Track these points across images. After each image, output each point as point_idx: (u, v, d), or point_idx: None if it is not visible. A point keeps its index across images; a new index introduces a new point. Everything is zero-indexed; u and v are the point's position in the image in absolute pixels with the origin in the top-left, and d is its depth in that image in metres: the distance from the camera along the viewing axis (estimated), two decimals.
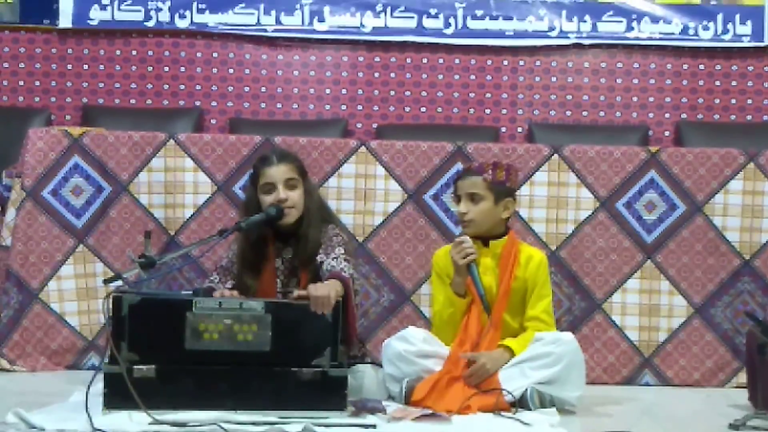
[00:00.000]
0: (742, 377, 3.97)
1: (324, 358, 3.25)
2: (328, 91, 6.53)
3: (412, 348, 3.59)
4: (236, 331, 3.24)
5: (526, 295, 3.74)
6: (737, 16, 6.29)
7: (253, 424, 3.05)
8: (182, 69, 6.52)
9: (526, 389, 3.45)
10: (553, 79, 6.45)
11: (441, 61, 6.48)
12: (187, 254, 3.94)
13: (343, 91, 6.52)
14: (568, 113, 6.43)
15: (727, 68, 6.37)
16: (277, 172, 3.69)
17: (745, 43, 6.30)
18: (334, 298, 3.26)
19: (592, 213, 4.32)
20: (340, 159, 4.38)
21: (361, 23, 6.44)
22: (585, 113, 6.43)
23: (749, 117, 6.35)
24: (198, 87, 6.53)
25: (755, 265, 4.27)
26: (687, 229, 4.30)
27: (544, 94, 6.45)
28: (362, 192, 4.38)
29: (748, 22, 6.29)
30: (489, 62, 6.46)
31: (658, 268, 4.30)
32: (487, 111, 6.46)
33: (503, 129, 6.43)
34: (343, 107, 6.52)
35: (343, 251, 3.57)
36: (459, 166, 4.22)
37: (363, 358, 3.85)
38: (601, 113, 6.42)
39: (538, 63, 6.45)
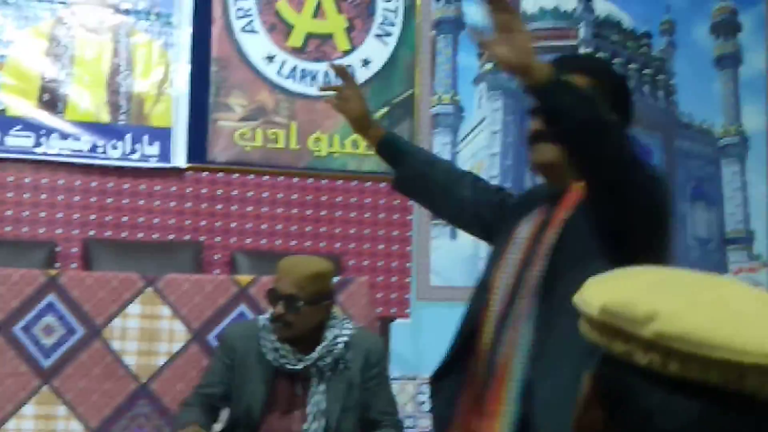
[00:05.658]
0: None
1: None
2: None
3: None
4: None
5: None
6: (145, 137, 6.46)
7: None
8: None
9: None
10: None
11: None
12: None
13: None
14: None
15: (135, 187, 6.51)
16: None
17: (153, 163, 6.49)
18: None
19: None
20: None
21: None
22: None
23: (156, 235, 6.52)
24: None
25: (152, 388, 4.36)
26: (85, 353, 4.29)
27: None
28: None
29: (156, 143, 6.50)
30: None
31: (55, 393, 4.24)
32: None
33: None
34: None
35: None
36: None
37: None
38: (8, 228, 6.25)
39: None
